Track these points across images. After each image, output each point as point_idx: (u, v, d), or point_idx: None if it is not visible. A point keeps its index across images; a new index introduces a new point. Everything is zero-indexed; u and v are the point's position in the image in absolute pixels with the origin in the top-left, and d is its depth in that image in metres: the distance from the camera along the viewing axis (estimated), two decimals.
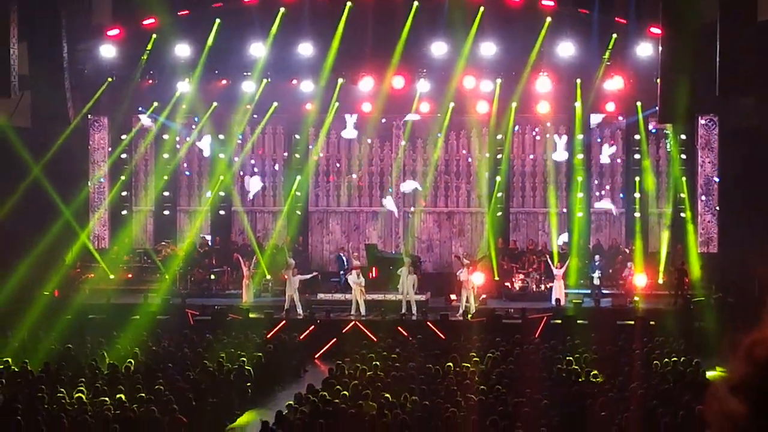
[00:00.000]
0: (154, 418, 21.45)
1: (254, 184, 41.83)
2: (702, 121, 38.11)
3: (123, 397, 22.49)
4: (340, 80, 39.34)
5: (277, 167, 42.61)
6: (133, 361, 27.18)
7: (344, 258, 39.13)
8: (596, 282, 36.72)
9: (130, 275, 39.17)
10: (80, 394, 22.88)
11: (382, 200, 41.61)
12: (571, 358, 27.13)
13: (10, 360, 27.03)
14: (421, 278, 36.51)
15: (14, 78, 34.50)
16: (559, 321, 33.18)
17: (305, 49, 38.02)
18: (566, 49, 37.50)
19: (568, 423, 19.88)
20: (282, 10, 37.34)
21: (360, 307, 34.64)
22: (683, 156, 39.05)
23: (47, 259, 35.03)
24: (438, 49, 37.70)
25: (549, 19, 36.89)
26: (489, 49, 37.55)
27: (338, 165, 42.47)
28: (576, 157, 40.47)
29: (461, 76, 38.32)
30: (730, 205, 37.32)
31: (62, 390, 23.47)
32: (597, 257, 37.47)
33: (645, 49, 37.13)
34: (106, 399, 22.46)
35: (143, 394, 22.84)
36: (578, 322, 32.79)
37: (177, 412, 22.03)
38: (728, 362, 1.57)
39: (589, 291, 37.13)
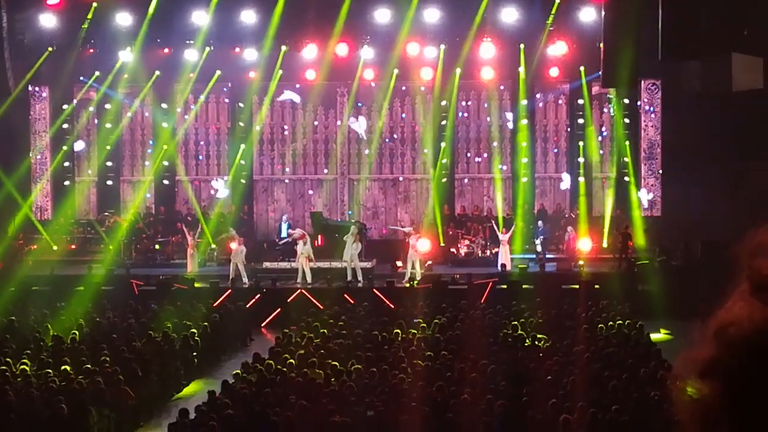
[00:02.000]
0: (99, 389, 21.39)
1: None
2: (645, 85, 38.30)
3: (68, 368, 22.41)
4: (284, 47, 39.28)
5: (220, 136, 42.44)
6: (77, 333, 27.07)
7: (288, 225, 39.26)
8: (539, 248, 37.06)
9: (73, 246, 39.02)
10: (24, 366, 22.78)
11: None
12: (516, 322, 27.23)
13: None
14: (367, 245, 36.54)
15: None
16: (505, 286, 33.34)
17: (248, 16, 37.96)
18: (510, 14, 37.63)
19: (515, 387, 19.97)
20: None
21: (306, 275, 34.66)
22: (626, 120, 39.31)
23: None
24: (381, 15, 37.75)
25: None
26: (433, 15, 37.63)
27: (284, 133, 42.38)
28: (520, 122, 40.62)
29: (405, 42, 38.37)
30: (672, 169, 37.58)
31: (7, 361, 23.36)
32: (540, 223, 37.74)
33: (588, 14, 37.27)
34: (51, 371, 22.39)
35: (88, 366, 22.76)
36: (523, 286, 33.00)
37: (123, 383, 21.99)
38: (693, 346, 1.52)
39: (533, 256, 37.42)
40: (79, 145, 41.89)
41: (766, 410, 1.44)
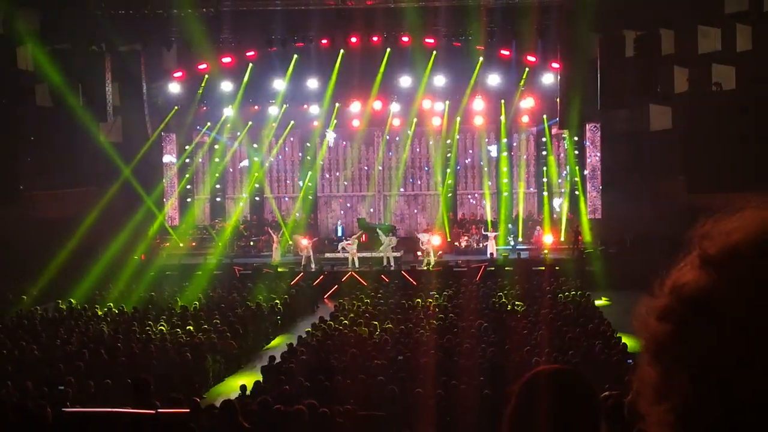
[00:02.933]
0: (213, 342, 21.54)
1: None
2: (589, 126, 38.21)
3: (191, 328, 22.56)
4: (337, 104, 39.44)
5: (294, 166, 42.60)
6: (197, 303, 27.23)
7: (343, 227, 39.44)
8: (511, 243, 37.34)
9: (194, 243, 39.22)
10: (162, 327, 22.95)
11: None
12: (501, 293, 27.23)
13: (111, 305, 27.06)
14: (397, 241, 36.61)
15: (109, 108, 34.47)
16: (493, 268, 33.31)
17: (312, 83, 38.17)
18: (494, 79, 37.70)
19: (500, 339, 20.00)
20: (295, 56, 37.37)
21: (354, 262, 34.73)
22: (576, 151, 39.21)
23: (136, 233, 35.03)
24: (404, 81, 37.81)
25: (481, 58, 36.99)
26: (440, 80, 37.71)
27: (337, 163, 42.52)
28: (502, 154, 40.64)
29: (421, 99, 38.52)
30: (609, 185, 37.44)
31: (149, 324, 23.53)
32: (511, 226, 38.34)
33: (549, 78, 37.27)
34: (179, 330, 22.55)
35: (205, 326, 22.92)
36: (506, 268, 32.96)
37: (229, 338, 22.14)
38: (652, 292, 1.59)
39: (511, 247, 37.42)
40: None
41: (702, 349, 1.52)
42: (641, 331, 1.62)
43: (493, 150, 41.26)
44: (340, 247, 35.84)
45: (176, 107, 38.74)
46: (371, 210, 42.03)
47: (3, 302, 28.45)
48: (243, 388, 16.74)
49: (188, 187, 41.32)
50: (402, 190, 42.17)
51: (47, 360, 19.35)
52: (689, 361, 1.52)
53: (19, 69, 32.04)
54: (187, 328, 22.68)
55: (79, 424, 6.56)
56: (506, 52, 36.64)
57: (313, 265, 34.93)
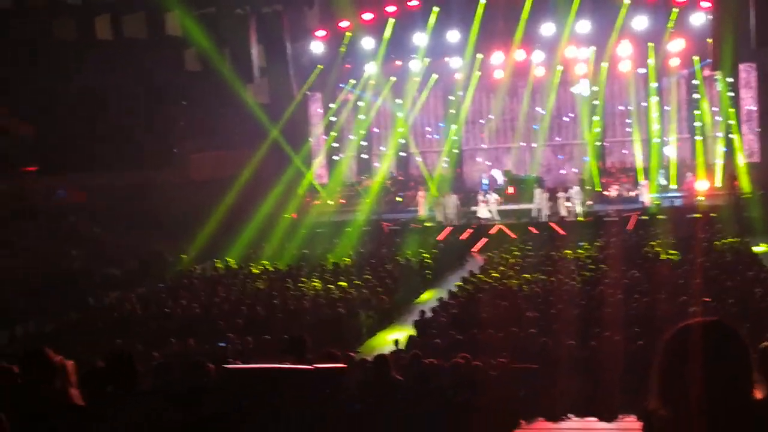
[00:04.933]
0: (365, 297, 21.92)
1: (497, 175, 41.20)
2: (743, 67, 36.75)
3: (343, 284, 23.00)
4: (479, 56, 39.05)
5: (437, 120, 42.56)
6: (348, 260, 27.71)
7: (488, 180, 39.24)
8: (664, 191, 36.77)
9: (343, 201, 39.67)
10: (315, 283, 23.49)
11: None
12: (653, 243, 26.68)
13: (266, 263, 27.84)
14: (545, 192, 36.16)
15: (255, 69, 35.18)
16: (646, 217, 32.62)
17: (453, 35, 37.86)
18: (641, 21, 36.48)
19: (653, 289, 19.59)
20: (435, 9, 37.17)
21: (495, 215, 34.66)
22: (731, 93, 37.77)
23: (286, 192, 35.71)
24: (547, 29, 37.06)
25: (627, 1, 35.91)
26: (584, 26, 36.76)
27: (480, 116, 42.24)
28: (651, 99, 39.50)
29: (565, 46, 37.72)
30: (767, 127, 36.06)
31: (302, 280, 24.11)
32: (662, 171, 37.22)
33: (699, 18, 35.96)
34: (332, 286, 23.02)
35: (357, 282, 23.33)
36: (658, 217, 32.21)
37: (380, 293, 22.47)
38: None
39: (664, 195, 36.49)
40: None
41: None
42: None
43: (642, 96, 40.10)
44: (482, 200, 35.65)
45: (319, 66, 39.15)
46: (517, 162, 41.51)
47: (163, 263, 29.66)
48: (396, 342, 17.01)
49: (335, 145, 41.81)
50: (547, 140, 41.52)
51: (207, 317, 20.13)
52: None
53: (168, 35, 33.06)
54: (339, 283, 23.13)
55: (240, 379, 6.81)
56: None
57: (459, 219, 34.94)
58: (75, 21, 33.08)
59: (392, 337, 17.95)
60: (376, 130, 42.95)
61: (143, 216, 32.28)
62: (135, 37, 33.07)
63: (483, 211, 35.04)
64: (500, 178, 39.41)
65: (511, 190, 37.53)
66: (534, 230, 32.33)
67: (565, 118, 41.44)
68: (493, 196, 35.71)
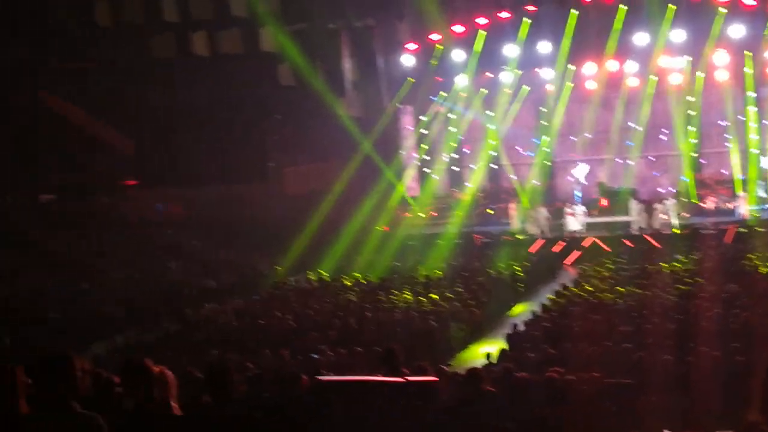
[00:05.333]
0: (457, 310, 21.87)
1: (581, 170, 41.13)
2: None
3: (435, 296, 22.99)
4: (571, 66, 38.71)
5: (529, 131, 42.27)
6: (439, 272, 27.70)
7: (581, 193, 38.87)
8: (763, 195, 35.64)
9: (434, 213, 39.67)
10: (406, 295, 23.52)
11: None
12: (752, 256, 26.04)
13: (358, 275, 28.01)
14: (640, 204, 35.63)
15: (347, 83, 35.54)
16: (744, 230, 31.84)
17: (544, 47, 37.57)
18: (737, 30, 35.64)
19: (753, 303, 19.09)
20: (526, 20, 36.99)
21: (583, 227, 34.38)
22: None
23: (378, 205, 35.86)
24: (641, 38, 36.53)
25: (723, 9, 35.18)
26: (679, 35, 36.11)
27: (573, 128, 41.82)
28: (747, 109, 38.57)
29: (659, 56, 37.11)
30: None
31: (394, 293, 24.17)
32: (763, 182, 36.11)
33: None
34: (423, 299, 23.04)
35: (448, 294, 23.29)
36: (757, 229, 31.42)
37: (472, 306, 22.40)
38: None
39: (765, 207, 35.59)
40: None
41: None
42: None
43: (739, 106, 39.17)
44: (569, 212, 35.19)
45: (410, 79, 39.28)
46: (610, 174, 40.93)
47: (258, 275, 30.09)
48: (488, 355, 16.94)
49: (426, 157, 41.85)
50: (642, 152, 40.81)
51: (301, 329, 20.32)
52: None
53: (263, 50, 33.65)
54: (431, 296, 23.13)
55: (333, 391, 6.90)
56: (751, 1, 34.69)
57: (551, 232, 34.65)
58: (173, 38, 33.93)
59: (484, 350, 17.87)
60: (466, 142, 42.83)
61: (238, 229, 32.82)
62: (230, 52, 33.78)
63: (572, 224, 34.69)
64: (582, 176, 39.06)
65: (604, 202, 37.06)
66: (629, 243, 31.86)
67: (661, 136, 40.63)
68: (581, 208, 35.32)
